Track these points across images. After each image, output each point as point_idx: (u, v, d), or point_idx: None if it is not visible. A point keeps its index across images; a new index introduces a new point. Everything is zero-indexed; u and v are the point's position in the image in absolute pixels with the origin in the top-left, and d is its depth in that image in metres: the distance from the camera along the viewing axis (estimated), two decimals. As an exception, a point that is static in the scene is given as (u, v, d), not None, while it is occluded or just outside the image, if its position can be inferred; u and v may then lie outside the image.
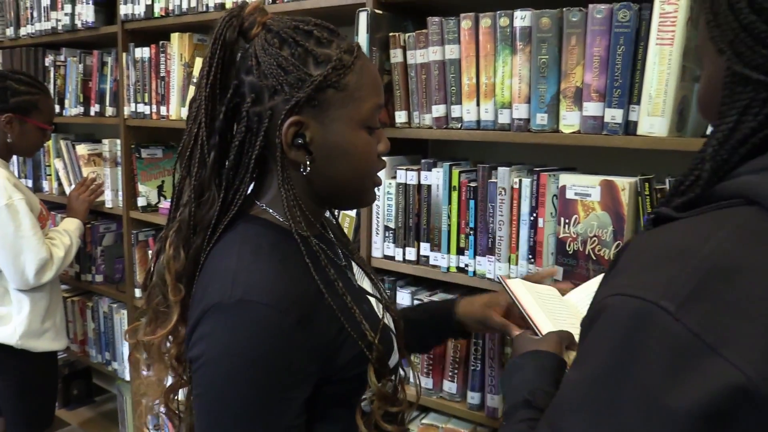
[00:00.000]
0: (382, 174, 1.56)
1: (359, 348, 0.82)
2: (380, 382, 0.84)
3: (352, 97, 0.82)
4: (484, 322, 1.16)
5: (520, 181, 1.37)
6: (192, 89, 2.02)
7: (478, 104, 1.42)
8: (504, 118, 1.38)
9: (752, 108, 0.56)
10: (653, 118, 1.21)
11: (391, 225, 1.58)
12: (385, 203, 1.58)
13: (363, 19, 1.49)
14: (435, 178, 1.50)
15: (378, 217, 1.60)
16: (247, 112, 0.81)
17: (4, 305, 1.93)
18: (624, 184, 1.25)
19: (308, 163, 0.82)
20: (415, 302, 1.56)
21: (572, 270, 1.34)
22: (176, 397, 0.90)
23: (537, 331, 1.00)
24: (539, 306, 1.06)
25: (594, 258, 1.29)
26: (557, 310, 1.08)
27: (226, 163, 0.83)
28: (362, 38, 1.49)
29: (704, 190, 0.58)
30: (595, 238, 1.29)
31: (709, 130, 1.19)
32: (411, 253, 1.55)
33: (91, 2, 2.31)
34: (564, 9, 1.28)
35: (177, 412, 0.90)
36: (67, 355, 2.77)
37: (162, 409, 0.91)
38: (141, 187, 2.32)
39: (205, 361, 0.75)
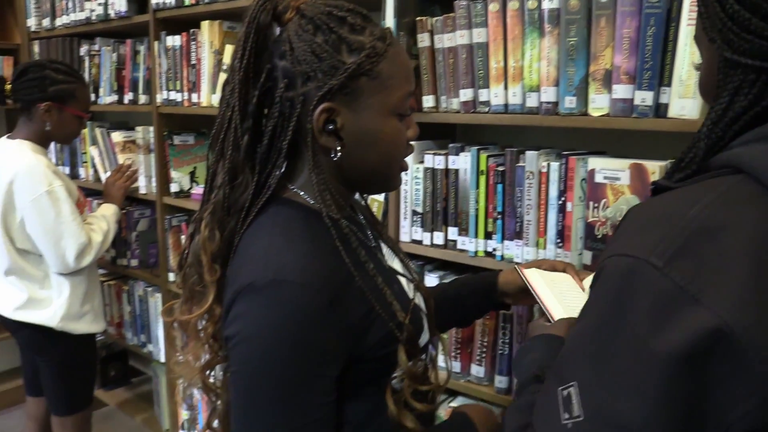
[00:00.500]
0: (409, 159, 1.57)
1: (389, 328, 0.83)
2: (410, 361, 0.86)
3: (384, 85, 0.82)
4: (527, 289, 1.16)
5: (549, 164, 1.37)
6: (222, 76, 2.05)
7: (506, 88, 1.41)
8: (532, 102, 1.38)
9: (743, 89, 0.61)
10: (684, 101, 1.19)
11: (419, 209, 1.59)
12: (413, 188, 1.59)
13: (390, 3, 1.49)
14: (463, 162, 1.50)
15: (406, 202, 1.61)
16: (281, 97, 0.82)
17: (44, 289, 1.99)
18: (654, 167, 1.23)
19: (338, 149, 0.83)
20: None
21: (601, 254, 1.33)
22: (212, 374, 0.93)
23: (549, 317, 1.00)
24: (553, 293, 1.07)
25: (623, 242, 1.28)
26: (570, 296, 1.08)
27: (259, 147, 0.84)
28: (389, 22, 1.50)
29: (700, 166, 0.64)
30: (624, 222, 1.28)
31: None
32: (439, 238, 1.56)
33: (123, -8, 2.35)
34: (593, -10, 1.26)
35: (213, 388, 0.93)
36: (104, 337, 2.85)
37: (199, 385, 0.93)
38: (173, 173, 2.36)
39: (240, 339, 0.76)
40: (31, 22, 2.95)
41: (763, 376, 0.52)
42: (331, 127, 0.82)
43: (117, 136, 2.55)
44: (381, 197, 1.66)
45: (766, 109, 0.61)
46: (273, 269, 0.76)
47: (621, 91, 1.25)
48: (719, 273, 0.53)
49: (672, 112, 1.21)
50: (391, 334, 0.83)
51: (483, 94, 1.44)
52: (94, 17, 2.54)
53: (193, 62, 2.17)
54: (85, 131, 2.65)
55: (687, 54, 1.17)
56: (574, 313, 0.98)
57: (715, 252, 0.54)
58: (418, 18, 1.53)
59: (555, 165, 1.36)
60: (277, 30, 0.84)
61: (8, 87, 2.00)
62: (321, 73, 0.80)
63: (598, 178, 1.31)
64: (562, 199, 1.36)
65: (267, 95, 0.84)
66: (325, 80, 0.80)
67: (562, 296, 1.07)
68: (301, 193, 0.87)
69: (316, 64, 0.79)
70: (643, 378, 0.54)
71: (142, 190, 2.47)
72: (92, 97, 2.55)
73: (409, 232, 1.61)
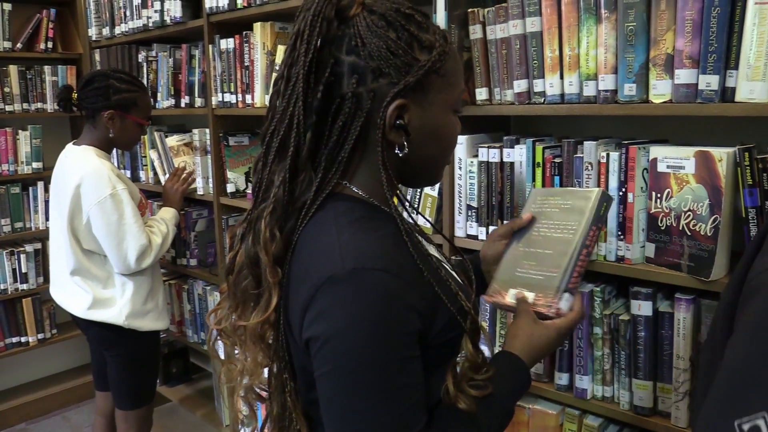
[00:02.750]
0: (463, 152, 1.56)
1: (451, 314, 0.83)
2: (475, 350, 0.85)
3: (448, 83, 0.84)
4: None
5: (608, 155, 1.33)
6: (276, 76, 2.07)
7: (561, 77, 1.38)
8: (589, 91, 1.34)
9: None
10: (753, 83, 1.13)
11: (474, 204, 1.56)
12: (467, 182, 1.57)
13: (441, -4, 1.48)
14: (518, 155, 1.47)
15: (460, 197, 1.59)
16: (352, 93, 0.81)
17: (107, 288, 2.06)
18: (721, 154, 1.18)
19: (405, 144, 0.83)
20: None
21: (665, 246, 1.28)
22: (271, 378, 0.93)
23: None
24: (522, 286, 1.05)
25: (689, 234, 1.23)
26: (531, 273, 1.06)
27: (323, 144, 0.83)
28: (440, 16, 1.48)
29: None
30: (690, 213, 1.23)
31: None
32: (494, 232, 1.54)
33: (178, -2, 2.41)
34: (653, -28, 1.22)
35: (269, 394, 0.92)
36: (166, 335, 2.93)
37: (256, 392, 0.93)
38: (229, 174, 2.41)
39: (330, 336, 0.74)
40: (92, 32, 3.06)
41: None
42: (399, 122, 0.82)
43: (173, 140, 2.61)
44: (435, 192, 1.65)
45: None
46: (351, 259, 0.75)
47: (684, 75, 1.20)
48: None
49: (740, 96, 1.15)
50: (454, 321, 0.83)
51: (538, 85, 1.41)
52: (150, 24, 2.61)
53: (246, 64, 2.20)
54: (145, 136, 2.72)
55: (755, 35, 1.11)
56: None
57: None
58: (470, 9, 1.50)
59: (615, 155, 1.32)
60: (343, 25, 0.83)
61: (74, 96, 2.08)
62: (394, 70, 0.80)
63: (661, 168, 1.27)
64: (623, 189, 1.32)
65: (328, 90, 0.82)
66: (399, 77, 0.80)
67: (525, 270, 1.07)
68: (353, 187, 0.86)
69: (392, 60, 0.79)
70: None
71: (200, 191, 2.52)
72: (152, 102, 2.62)
73: (464, 227, 1.59)
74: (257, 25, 2.13)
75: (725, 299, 0.62)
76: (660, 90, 1.24)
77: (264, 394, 0.95)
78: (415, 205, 1.67)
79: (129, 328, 2.06)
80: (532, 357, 0.92)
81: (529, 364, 0.91)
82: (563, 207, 1.09)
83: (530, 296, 1.01)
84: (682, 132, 1.41)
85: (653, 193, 1.29)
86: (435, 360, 0.82)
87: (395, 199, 0.86)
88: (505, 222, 1.50)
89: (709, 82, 1.18)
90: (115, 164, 2.71)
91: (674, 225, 1.26)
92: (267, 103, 2.07)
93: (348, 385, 0.74)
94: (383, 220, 0.83)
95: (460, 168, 1.57)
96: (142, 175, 2.89)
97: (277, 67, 2.07)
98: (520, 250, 1.10)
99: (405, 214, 0.96)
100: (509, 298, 1.04)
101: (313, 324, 0.76)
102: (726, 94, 1.18)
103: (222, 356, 1.02)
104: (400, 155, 0.84)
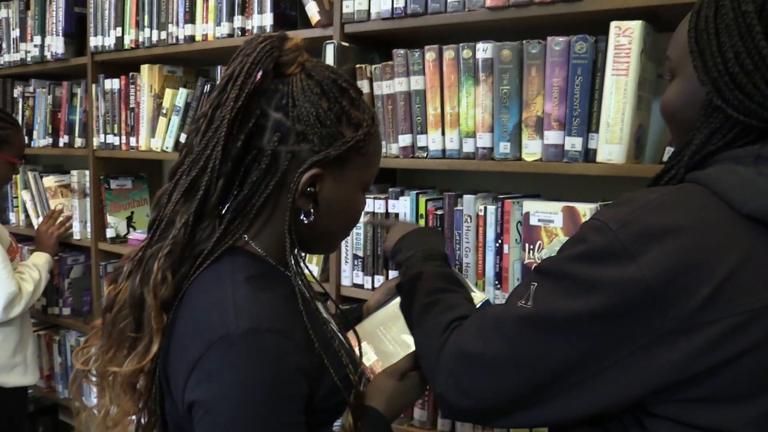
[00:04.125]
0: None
1: (335, 380, 0.82)
2: (355, 425, 0.85)
3: (366, 162, 0.86)
4: None
5: (485, 208, 1.40)
6: (162, 120, 2.02)
7: (443, 133, 1.45)
8: (468, 147, 1.41)
9: (721, 131, 0.70)
10: (611, 146, 1.24)
11: (360, 253, 1.59)
12: (354, 232, 1.59)
13: (330, 51, 1.52)
14: (402, 206, 1.52)
15: (347, 246, 1.61)
16: (272, 151, 0.79)
17: (-31, 341, 1.89)
18: (585, 209, 1.28)
19: (311, 212, 0.83)
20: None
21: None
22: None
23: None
24: (374, 344, 1.10)
25: (558, 283, 1.31)
26: (388, 338, 1.12)
27: (232, 194, 0.81)
28: (329, 70, 1.52)
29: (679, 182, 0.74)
30: (558, 264, 1.31)
31: (666, 156, 1.24)
32: (380, 281, 1.56)
33: (60, 34, 2.32)
34: (524, 41, 1.32)
35: None
36: (32, 391, 2.71)
37: None
38: (110, 219, 2.30)
39: (217, 401, 0.71)
40: (-38, 63, 2.87)
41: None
42: (310, 190, 0.81)
43: (50, 180, 2.47)
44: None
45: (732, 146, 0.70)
46: (247, 318, 0.73)
47: (552, 137, 1.30)
48: (655, 240, 0.65)
49: (600, 157, 1.26)
50: (337, 387, 0.82)
51: (421, 140, 1.48)
52: (29, 59, 2.48)
53: (131, 105, 2.14)
54: (17, 175, 2.56)
55: (613, 102, 1.23)
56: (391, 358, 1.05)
57: (656, 223, 0.66)
58: (358, 65, 1.56)
59: (492, 208, 1.39)
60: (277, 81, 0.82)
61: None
62: (318, 138, 0.80)
63: (533, 221, 1.35)
64: (499, 241, 1.39)
65: (248, 141, 0.80)
66: (321, 146, 0.80)
67: (381, 340, 1.11)
68: (253, 244, 0.84)
69: (318, 128, 0.79)
70: None
71: (77, 236, 2.39)
72: (26, 140, 2.47)
73: (350, 275, 1.61)
74: (145, 67, 2.09)
75: None
76: (531, 149, 1.34)
77: None
78: (303, 254, 1.67)
79: None
80: (393, 412, 0.94)
81: (391, 419, 0.93)
82: None
83: (372, 359, 1.03)
84: (552, 188, 1.51)
85: (527, 245, 1.36)
86: (315, 425, 0.81)
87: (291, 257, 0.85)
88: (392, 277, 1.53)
89: (574, 143, 1.29)
90: (-18, 205, 2.52)
91: (546, 275, 1.34)
92: (152, 146, 2.03)
93: None
94: (279, 280, 0.82)
95: (347, 217, 1.60)
96: (12, 216, 2.70)
97: (164, 110, 2.03)
98: (394, 310, 1.13)
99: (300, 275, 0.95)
100: (363, 349, 1.05)
101: (200, 386, 0.72)
102: (589, 154, 1.29)
103: (85, 401, 0.93)
104: (305, 222, 0.83)
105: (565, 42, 1.27)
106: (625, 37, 1.21)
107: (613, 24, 1.22)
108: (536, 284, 0.74)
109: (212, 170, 0.78)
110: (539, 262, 0.81)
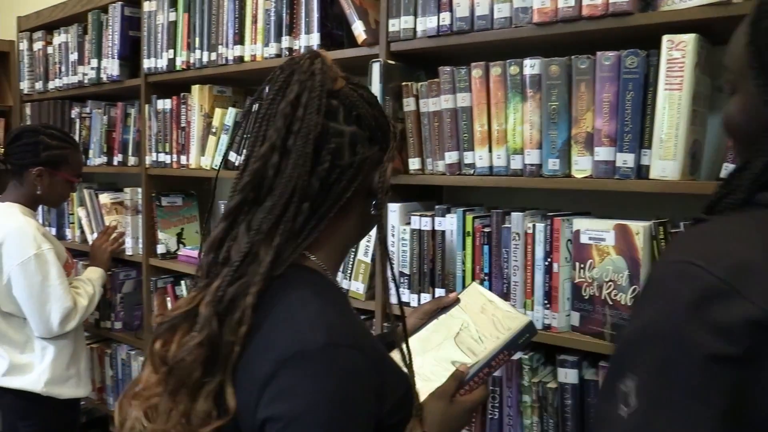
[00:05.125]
0: (396, 220, 1.59)
1: (397, 398, 0.81)
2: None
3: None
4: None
5: (534, 226, 1.38)
6: (212, 138, 2.07)
7: (490, 150, 1.43)
8: (516, 164, 1.40)
9: None
10: (665, 162, 1.21)
11: (406, 271, 1.58)
12: (399, 249, 1.59)
13: (376, 69, 1.53)
14: (449, 223, 1.50)
15: (393, 264, 1.60)
16: (355, 161, 0.82)
17: (25, 353, 1.95)
18: (638, 228, 1.24)
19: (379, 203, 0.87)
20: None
21: (589, 315, 1.32)
22: None
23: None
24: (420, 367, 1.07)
25: (611, 303, 1.28)
26: (426, 361, 1.10)
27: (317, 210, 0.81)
28: (376, 88, 1.53)
29: (742, 206, 0.68)
30: (611, 283, 1.28)
31: (724, 172, 1.20)
32: (426, 299, 1.55)
33: (116, 57, 2.40)
34: (572, 57, 1.30)
35: None
36: (85, 402, 2.77)
37: None
38: (161, 235, 2.36)
39: (296, 416, 0.70)
40: (24, 85, 3.00)
41: None
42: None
43: (104, 198, 2.54)
44: (368, 258, 1.65)
45: None
46: (323, 333, 0.72)
47: (603, 153, 1.28)
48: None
49: (653, 174, 1.22)
50: (399, 405, 0.82)
51: (468, 157, 1.47)
52: (86, 81, 2.58)
53: (182, 125, 2.19)
54: (74, 193, 2.64)
55: (666, 117, 1.20)
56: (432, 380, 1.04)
57: (745, 254, 0.58)
58: (404, 83, 1.56)
59: (540, 226, 1.37)
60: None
61: (1, 150, 2.01)
62: (383, 136, 0.87)
63: (584, 239, 1.32)
64: (549, 260, 1.36)
65: (332, 161, 0.82)
66: (386, 143, 0.87)
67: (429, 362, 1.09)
68: (313, 258, 0.83)
69: (381, 128, 0.86)
70: None
71: (129, 252, 2.45)
72: (83, 159, 2.56)
73: (396, 293, 1.60)
74: (195, 88, 2.14)
75: None
76: (581, 165, 1.31)
77: None
78: (348, 272, 1.68)
79: (47, 395, 1.93)
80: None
81: None
82: (490, 316, 1.14)
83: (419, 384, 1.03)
84: (603, 205, 1.48)
85: (577, 264, 1.34)
86: None
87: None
88: (438, 295, 1.52)
89: (626, 159, 1.26)
90: (41, 221, 2.61)
91: (597, 294, 1.31)
92: (202, 164, 2.08)
93: None
94: (337, 294, 0.83)
95: (393, 235, 1.59)
96: (68, 233, 2.79)
97: (213, 129, 2.07)
98: (430, 334, 1.14)
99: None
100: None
101: (277, 401, 0.71)
102: (641, 171, 1.25)
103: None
104: (373, 213, 0.87)
105: (615, 57, 1.25)
106: (679, 51, 1.19)
107: (666, 38, 1.19)
108: (635, 377, 0.59)
109: (301, 198, 0.78)
110: (618, 337, 0.71)
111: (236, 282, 0.76)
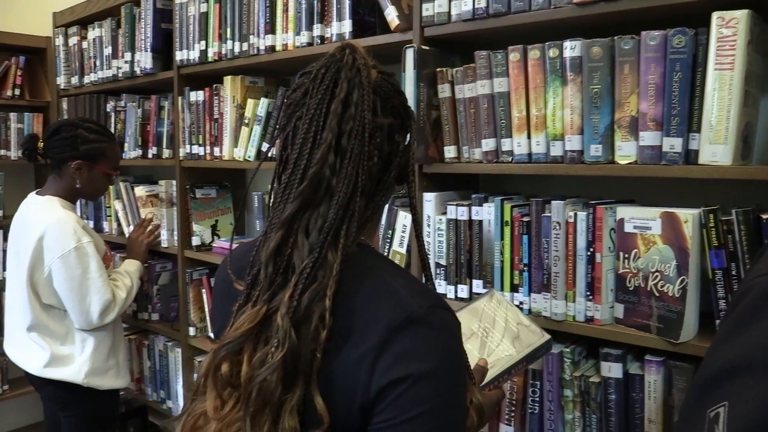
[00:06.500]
0: (431, 209, 1.55)
1: None
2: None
3: None
4: None
5: (575, 214, 1.33)
6: (245, 129, 2.06)
7: (529, 137, 1.39)
8: (556, 151, 1.35)
9: None
10: (715, 146, 1.15)
11: (443, 262, 1.55)
12: (435, 239, 1.55)
13: (410, 55, 1.49)
14: (486, 213, 1.46)
15: (429, 254, 1.57)
16: (396, 150, 0.85)
17: (65, 345, 1.98)
18: (687, 215, 1.19)
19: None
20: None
21: (634, 307, 1.27)
22: None
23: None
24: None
25: (657, 294, 1.23)
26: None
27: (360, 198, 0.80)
28: (409, 74, 1.49)
29: None
30: (657, 274, 1.23)
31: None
32: (463, 291, 1.52)
33: (149, 50, 2.41)
34: (615, 37, 1.25)
35: None
36: (124, 393, 2.81)
37: None
38: (195, 227, 2.36)
39: (420, 374, 0.71)
40: (61, 80, 3.04)
41: None
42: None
43: (140, 190, 2.57)
44: (404, 249, 1.63)
45: None
46: (422, 298, 0.76)
47: (648, 138, 1.22)
48: None
49: (703, 159, 1.17)
50: None
51: (506, 144, 1.42)
52: (120, 74, 2.60)
53: (215, 116, 2.19)
54: (112, 186, 2.67)
55: (716, 99, 1.14)
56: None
57: None
58: (438, 69, 1.52)
59: (582, 215, 1.32)
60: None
61: (40, 145, 2.03)
62: (409, 120, 0.87)
63: (628, 228, 1.27)
64: (591, 249, 1.31)
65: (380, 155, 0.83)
66: (409, 125, 0.88)
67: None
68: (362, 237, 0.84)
69: (409, 112, 0.88)
70: None
71: (164, 244, 2.47)
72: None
73: (432, 284, 1.57)
74: (227, 79, 2.13)
75: None
76: (625, 151, 1.26)
77: None
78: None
79: (88, 386, 1.96)
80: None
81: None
82: (510, 327, 1.16)
83: None
84: (648, 192, 1.42)
85: (621, 254, 1.28)
86: None
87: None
88: (475, 286, 1.49)
89: (673, 144, 1.20)
90: (78, 213, 2.65)
91: (642, 285, 1.25)
92: (235, 155, 2.07)
93: (446, 420, 0.73)
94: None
95: (428, 225, 1.56)
96: (105, 225, 2.83)
97: (246, 120, 2.06)
98: (468, 326, 1.15)
99: None
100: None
101: (395, 366, 0.71)
102: (690, 156, 1.20)
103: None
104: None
105: (661, 36, 1.19)
106: (729, 29, 1.12)
107: (716, 15, 1.13)
108: (729, 407, 0.54)
109: (361, 195, 0.79)
110: (712, 357, 0.60)
111: (308, 289, 0.74)
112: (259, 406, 0.72)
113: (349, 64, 0.80)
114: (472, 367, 0.94)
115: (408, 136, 0.88)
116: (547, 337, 1.15)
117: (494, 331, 1.16)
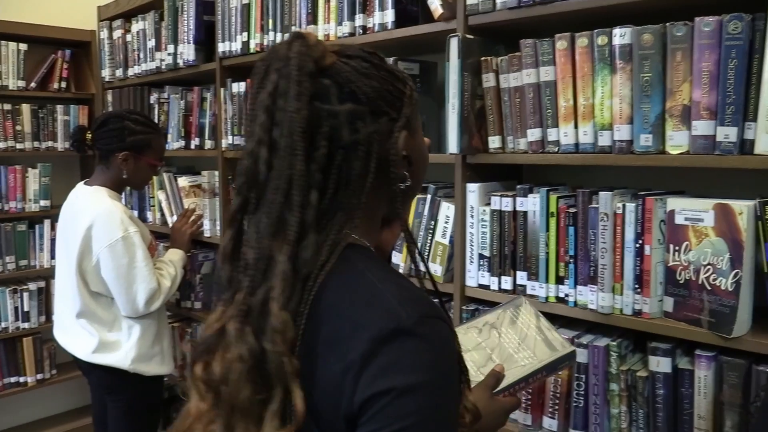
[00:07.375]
0: (475, 200, 1.54)
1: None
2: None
3: (415, 106, 0.85)
4: None
5: (624, 206, 1.30)
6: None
7: (576, 127, 1.36)
8: (604, 141, 1.32)
9: None
10: (773, 136, 1.11)
11: (486, 253, 1.53)
12: (479, 230, 1.54)
13: (454, 44, 1.48)
14: (531, 204, 1.45)
15: (472, 245, 1.56)
16: (361, 139, 0.77)
17: (113, 332, 2.03)
18: (741, 207, 1.15)
19: (407, 175, 0.83)
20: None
21: (684, 301, 1.24)
22: None
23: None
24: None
25: (709, 288, 1.20)
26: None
27: (327, 198, 0.77)
28: (453, 64, 1.48)
29: None
30: (709, 267, 1.20)
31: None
32: (507, 282, 1.50)
33: (191, 42, 2.44)
34: (667, 24, 1.21)
35: None
36: (167, 380, 2.87)
37: None
38: (237, 217, 2.39)
39: (403, 388, 0.68)
40: (105, 73, 3.10)
41: None
42: (404, 153, 0.81)
43: (183, 181, 2.61)
44: (446, 240, 1.62)
45: None
46: (412, 307, 0.70)
47: (702, 127, 1.19)
48: None
49: (759, 149, 1.13)
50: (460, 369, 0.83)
51: (552, 134, 1.40)
52: (163, 66, 2.63)
53: (257, 107, 2.20)
54: (156, 176, 2.72)
55: (774, 87, 1.10)
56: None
57: None
58: (483, 58, 1.50)
59: (631, 206, 1.29)
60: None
61: (88, 136, 2.08)
62: (390, 106, 0.80)
63: (679, 220, 1.24)
64: (640, 242, 1.29)
65: (329, 146, 0.77)
66: (396, 112, 0.80)
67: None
68: (353, 235, 0.80)
69: (386, 97, 0.79)
70: None
71: (207, 234, 2.50)
72: (162, 143, 2.62)
73: (475, 276, 1.56)
74: (269, 70, 2.14)
75: None
76: (677, 141, 1.23)
77: None
78: (426, 254, 1.65)
79: (134, 372, 2.01)
80: (485, 426, 0.90)
81: None
82: (535, 337, 1.14)
83: None
84: (699, 183, 1.38)
85: (671, 246, 1.26)
86: None
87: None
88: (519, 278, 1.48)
89: (728, 133, 1.16)
90: (123, 203, 2.70)
91: (693, 279, 1.23)
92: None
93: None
94: (390, 266, 0.82)
95: (472, 216, 1.55)
96: (149, 215, 2.88)
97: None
98: (475, 337, 1.14)
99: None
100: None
101: (379, 378, 0.68)
102: (745, 146, 1.16)
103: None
104: (403, 188, 0.82)
105: (716, 22, 1.15)
106: (789, 13, 1.08)
107: (775, -1, 1.09)
108: None
109: (301, 189, 0.74)
110: None
111: (257, 289, 0.72)
112: (226, 408, 0.71)
113: (280, 54, 0.77)
114: (478, 372, 0.95)
115: (387, 122, 0.79)
116: (571, 348, 1.13)
117: (515, 338, 1.15)
